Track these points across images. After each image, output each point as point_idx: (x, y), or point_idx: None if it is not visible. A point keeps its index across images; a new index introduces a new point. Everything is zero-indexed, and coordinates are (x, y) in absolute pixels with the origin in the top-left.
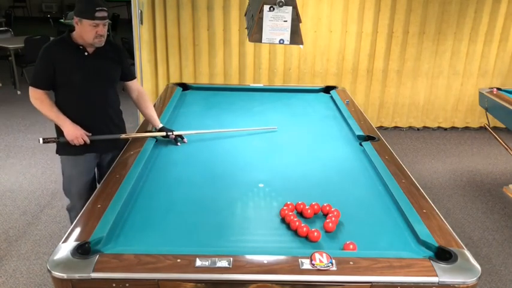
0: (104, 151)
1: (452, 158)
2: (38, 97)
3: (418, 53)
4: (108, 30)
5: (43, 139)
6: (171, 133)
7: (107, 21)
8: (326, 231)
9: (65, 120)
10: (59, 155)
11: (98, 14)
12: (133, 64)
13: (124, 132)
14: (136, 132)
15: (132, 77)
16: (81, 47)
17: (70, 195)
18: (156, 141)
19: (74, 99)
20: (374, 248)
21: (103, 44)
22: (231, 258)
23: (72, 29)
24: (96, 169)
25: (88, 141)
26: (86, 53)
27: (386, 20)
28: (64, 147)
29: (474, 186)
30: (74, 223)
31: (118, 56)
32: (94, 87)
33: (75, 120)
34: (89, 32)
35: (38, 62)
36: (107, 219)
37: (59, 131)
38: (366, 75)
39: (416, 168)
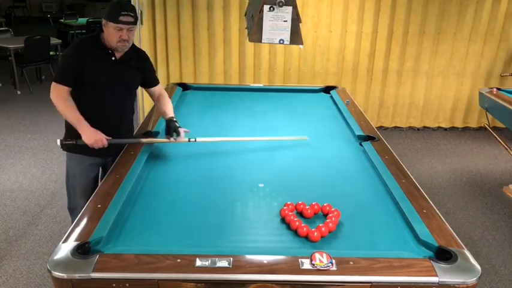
0: (110, 155)
1: (452, 158)
2: (62, 95)
3: (418, 53)
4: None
5: (60, 141)
6: (180, 133)
7: (133, 26)
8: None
9: (85, 125)
10: (66, 151)
11: (122, 18)
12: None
13: (132, 136)
14: (149, 137)
15: (154, 84)
16: (110, 51)
17: (74, 193)
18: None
19: (93, 101)
20: (374, 248)
21: (127, 49)
22: (231, 258)
23: (101, 29)
24: (100, 169)
25: (106, 145)
26: (114, 58)
27: (387, 20)
28: (72, 145)
29: (474, 186)
30: (74, 223)
31: (143, 65)
32: (114, 93)
33: (90, 121)
34: (113, 35)
35: (66, 57)
36: (107, 219)
37: (70, 130)
38: (366, 75)
39: (416, 168)
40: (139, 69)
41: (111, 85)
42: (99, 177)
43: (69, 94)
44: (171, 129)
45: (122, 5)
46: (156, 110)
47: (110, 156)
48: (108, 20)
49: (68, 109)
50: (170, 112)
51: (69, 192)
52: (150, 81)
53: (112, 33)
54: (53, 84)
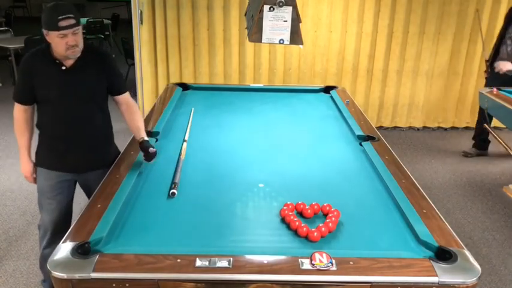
0: (81, 171)
1: (452, 158)
2: (16, 115)
3: (418, 53)
4: (84, 35)
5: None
6: (150, 151)
7: (77, 28)
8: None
9: (23, 154)
10: (34, 164)
11: (62, 23)
12: (121, 76)
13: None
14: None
15: (120, 91)
16: (57, 61)
17: (41, 209)
18: (156, 141)
19: (51, 117)
20: (374, 248)
21: (78, 54)
22: (231, 258)
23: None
24: (82, 190)
25: (32, 182)
26: (64, 67)
27: (387, 20)
28: (39, 158)
29: (474, 186)
30: (74, 223)
31: (103, 68)
32: (72, 105)
33: (52, 139)
34: (59, 44)
35: (18, 74)
36: (106, 219)
37: (41, 143)
38: (366, 75)
39: (416, 168)
40: (99, 74)
41: (65, 98)
42: (81, 194)
43: (26, 113)
44: (148, 153)
45: (57, 8)
46: (126, 122)
47: (86, 172)
48: (48, 30)
49: (17, 132)
50: (141, 131)
51: (39, 208)
52: (113, 88)
53: (57, 42)
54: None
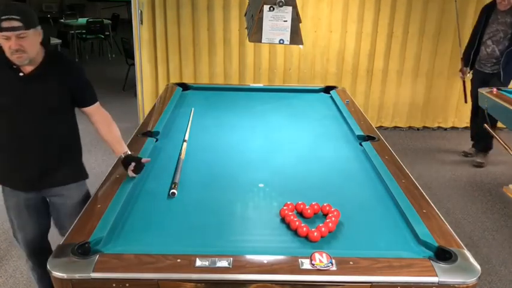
0: (28, 189)
1: (452, 158)
2: None
3: (418, 53)
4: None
5: None
6: (134, 163)
7: (23, 32)
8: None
9: None
10: None
11: (4, 24)
12: (89, 88)
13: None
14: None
15: (86, 103)
16: (14, 67)
17: (12, 224)
18: (156, 141)
19: (5, 128)
20: (374, 248)
21: (25, 61)
22: (231, 258)
23: None
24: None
25: None
26: (21, 74)
27: (386, 20)
28: None
29: (474, 186)
30: (74, 223)
31: (67, 78)
32: (28, 116)
33: (5, 153)
34: (4, 48)
35: None
36: (106, 219)
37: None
38: (366, 75)
39: (416, 168)
40: (62, 85)
41: (21, 108)
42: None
43: None
44: (139, 163)
45: (4, 9)
46: (100, 136)
47: (46, 189)
48: None
49: None
50: (123, 143)
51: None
52: (78, 100)
53: (3, 44)
54: None
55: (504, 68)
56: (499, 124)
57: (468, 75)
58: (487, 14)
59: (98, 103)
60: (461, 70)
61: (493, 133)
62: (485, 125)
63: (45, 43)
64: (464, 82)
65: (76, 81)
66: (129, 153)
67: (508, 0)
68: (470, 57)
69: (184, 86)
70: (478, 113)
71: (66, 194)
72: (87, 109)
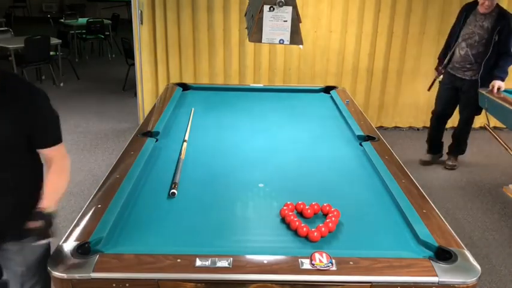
0: None
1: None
2: None
3: (418, 53)
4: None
5: None
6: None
7: None
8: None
9: None
10: None
11: None
12: (54, 122)
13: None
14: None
15: (42, 144)
16: None
17: None
18: (156, 141)
19: None
20: (374, 248)
21: None
22: (231, 258)
23: None
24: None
25: None
26: None
27: (387, 20)
28: None
29: (474, 186)
30: (74, 223)
31: (25, 109)
32: None
33: None
34: None
35: None
36: (107, 219)
37: None
38: (366, 76)
39: (416, 168)
40: (17, 118)
41: None
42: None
43: None
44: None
45: None
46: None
47: None
48: None
49: None
50: (51, 200)
51: None
52: (35, 138)
53: None
54: None
55: (483, 76)
56: (499, 124)
57: (442, 76)
58: (465, 14)
59: (61, 145)
60: (436, 69)
61: (493, 133)
62: (485, 125)
63: None
64: (435, 80)
65: (37, 115)
66: (50, 211)
67: (491, 2)
68: (445, 57)
69: (184, 86)
70: (444, 120)
71: (13, 254)
72: (43, 151)
